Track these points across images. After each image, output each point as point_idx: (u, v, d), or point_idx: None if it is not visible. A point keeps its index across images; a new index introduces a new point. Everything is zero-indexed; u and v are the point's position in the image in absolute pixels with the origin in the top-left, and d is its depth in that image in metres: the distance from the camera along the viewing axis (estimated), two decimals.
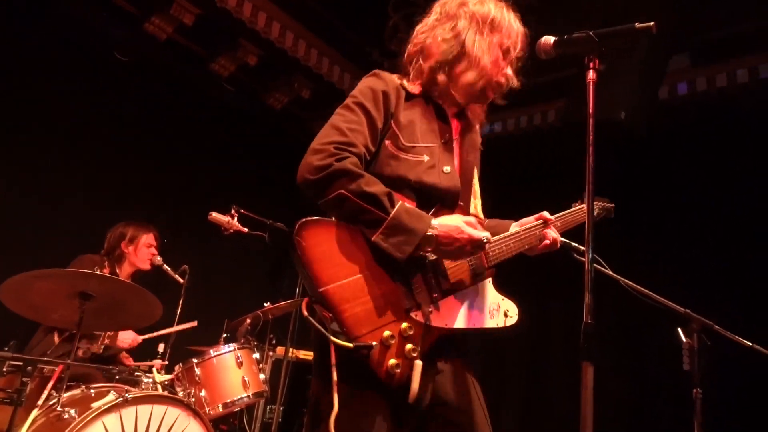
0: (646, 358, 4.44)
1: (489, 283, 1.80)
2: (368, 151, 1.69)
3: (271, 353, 4.63)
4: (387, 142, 1.72)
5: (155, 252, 3.97)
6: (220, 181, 5.44)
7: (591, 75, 1.53)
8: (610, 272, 2.71)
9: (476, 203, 1.89)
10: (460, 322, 1.69)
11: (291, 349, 4.34)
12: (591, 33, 1.55)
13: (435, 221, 1.60)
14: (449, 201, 1.75)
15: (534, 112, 5.43)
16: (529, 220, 1.96)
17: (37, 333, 3.57)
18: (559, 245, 1.99)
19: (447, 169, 1.75)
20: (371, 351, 1.50)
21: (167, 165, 5.13)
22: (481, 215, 1.91)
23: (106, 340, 3.59)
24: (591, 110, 1.50)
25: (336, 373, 1.50)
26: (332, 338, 1.49)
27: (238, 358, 3.45)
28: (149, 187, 4.98)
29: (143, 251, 3.92)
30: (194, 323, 3.90)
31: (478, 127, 1.97)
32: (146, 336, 3.82)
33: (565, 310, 4.96)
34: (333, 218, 1.61)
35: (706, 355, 2.59)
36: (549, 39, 1.72)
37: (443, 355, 1.70)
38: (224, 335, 3.97)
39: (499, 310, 1.78)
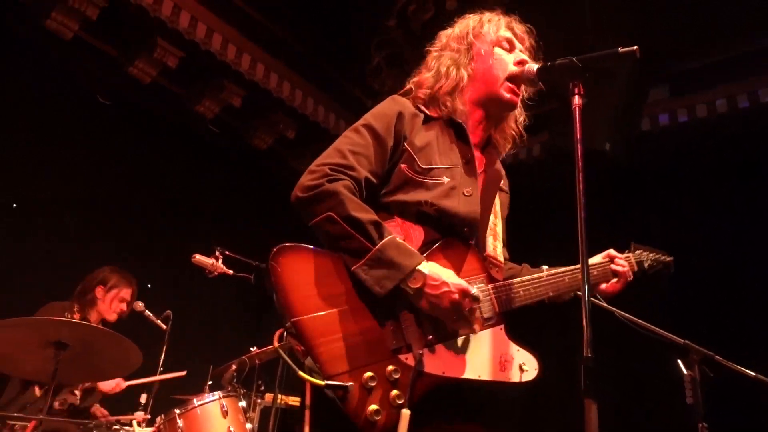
0: (646, 392, 4.32)
1: (501, 331, 1.61)
2: (374, 175, 1.61)
3: (259, 400, 4.44)
4: (402, 166, 1.64)
5: (125, 308, 3.81)
6: (204, 223, 5.35)
7: (576, 101, 1.50)
8: (605, 304, 2.63)
9: (496, 245, 1.75)
10: (461, 371, 1.49)
11: (280, 396, 4.18)
12: (574, 59, 1.54)
13: (426, 263, 1.48)
14: (466, 229, 1.63)
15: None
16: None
17: (11, 385, 3.39)
18: (629, 278, 1.92)
19: (468, 190, 1.66)
20: (347, 393, 1.35)
21: (149, 208, 5.04)
22: (500, 258, 1.76)
23: (86, 383, 3.37)
24: (579, 136, 1.46)
25: (310, 414, 1.39)
26: (300, 373, 1.37)
27: (223, 407, 3.30)
28: (130, 231, 4.87)
29: (114, 303, 3.76)
30: (183, 373, 3.71)
31: (509, 146, 1.89)
32: (132, 382, 3.63)
33: (559, 346, 4.85)
34: (314, 246, 1.51)
35: (708, 387, 2.49)
36: (532, 67, 1.72)
37: (444, 414, 1.50)
38: (209, 383, 3.81)
39: (512, 362, 1.56)
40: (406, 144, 1.67)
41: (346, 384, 1.36)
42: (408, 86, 1.83)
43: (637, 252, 2.11)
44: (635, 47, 1.46)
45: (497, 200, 1.80)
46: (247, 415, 3.54)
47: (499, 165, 1.86)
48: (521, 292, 1.67)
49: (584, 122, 1.48)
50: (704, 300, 4.31)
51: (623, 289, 1.95)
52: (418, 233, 1.60)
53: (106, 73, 4.83)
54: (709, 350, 2.57)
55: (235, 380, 3.71)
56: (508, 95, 1.76)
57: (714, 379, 2.52)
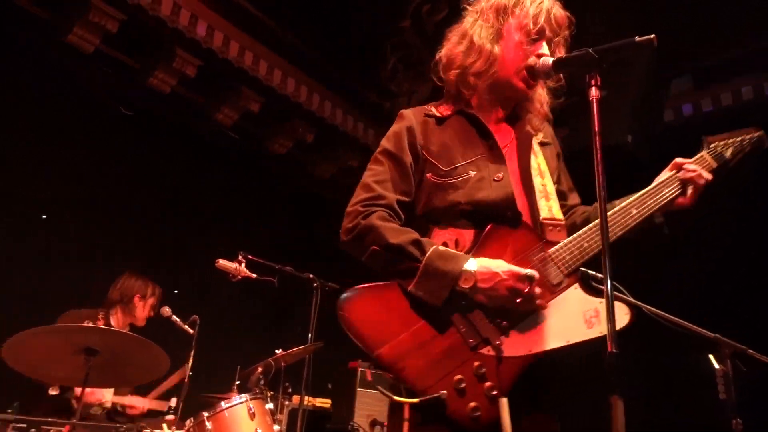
0: (675, 387, 4.24)
1: (576, 290, 1.55)
2: (405, 195, 1.68)
3: (287, 402, 4.47)
4: (428, 175, 1.69)
5: (153, 313, 4.00)
6: (226, 229, 5.41)
7: (594, 92, 1.47)
8: (631, 299, 2.58)
9: (551, 205, 1.68)
10: (547, 343, 1.49)
11: (306, 397, 4.19)
12: (590, 50, 1.51)
13: (473, 259, 1.51)
14: (507, 212, 1.62)
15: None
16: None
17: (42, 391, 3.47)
18: (702, 182, 1.69)
19: (498, 176, 1.66)
20: (444, 401, 1.41)
21: (173, 215, 5.13)
22: (558, 216, 1.68)
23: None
24: (597, 128, 1.43)
25: (408, 428, 1.45)
26: (395, 398, 1.45)
27: (250, 409, 3.32)
28: (155, 239, 4.96)
29: (146, 310, 3.98)
30: (167, 405, 3.70)
31: (540, 126, 1.81)
32: (118, 399, 3.71)
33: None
34: (368, 283, 1.59)
35: (742, 381, 2.43)
36: (547, 60, 1.69)
37: (524, 402, 1.50)
38: (236, 383, 3.85)
39: (599, 316, 1.49)
40: (424, 153, 1.71)
41: (439, 393, 1.42)
42: (438, 59, 1.81)
43: (713, 145, 1.82)
44: (652, 36, 1.43)
45: (540, 159, 1.76)
46: (275, 417, 3.57)
47: (530, 126, 1.78)
48: (585, 245, 1.59)
49: (603, 117, 1.46)
50: (732, 292, 4.20)
51: (702, 192, 1.74)
52: (467, 233, 1.62)
53: (127, 85, 4.92)
54: (741, 344, 2.50)
55: (262, 382, 3.74)
56: (520, 84, 1.73)
57: (748, 373, 2.46)
